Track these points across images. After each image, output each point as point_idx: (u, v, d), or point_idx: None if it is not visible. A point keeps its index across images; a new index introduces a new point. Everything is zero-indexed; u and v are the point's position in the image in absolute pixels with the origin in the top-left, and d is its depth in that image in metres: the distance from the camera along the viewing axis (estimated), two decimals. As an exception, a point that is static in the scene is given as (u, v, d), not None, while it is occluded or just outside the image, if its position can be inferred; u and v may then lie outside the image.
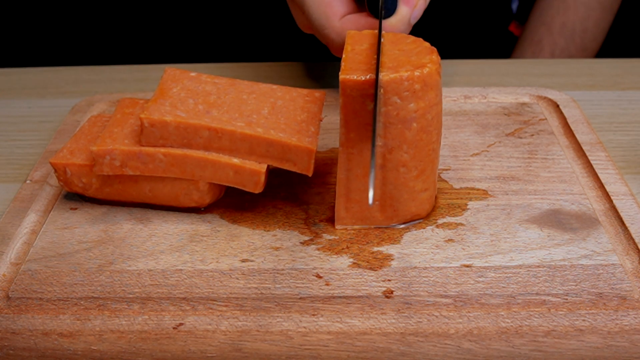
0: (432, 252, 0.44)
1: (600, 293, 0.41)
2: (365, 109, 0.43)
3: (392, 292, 0.41)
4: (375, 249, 0.44)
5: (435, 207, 0.48)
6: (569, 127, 0.57)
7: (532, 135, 0.56)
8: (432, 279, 0.42)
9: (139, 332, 0.40)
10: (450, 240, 0.45)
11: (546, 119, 0.58)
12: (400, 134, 0.43)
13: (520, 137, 0.56)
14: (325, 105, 0.59)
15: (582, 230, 0.45)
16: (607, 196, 0.48)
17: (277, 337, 0.39)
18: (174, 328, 0.40)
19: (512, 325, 0.39)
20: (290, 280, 0.42)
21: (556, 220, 0.46)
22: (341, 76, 0.42)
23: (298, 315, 0.40)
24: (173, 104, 0.46)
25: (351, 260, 0.44)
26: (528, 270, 0.42)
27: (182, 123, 0.45)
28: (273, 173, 0.49)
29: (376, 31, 0.47)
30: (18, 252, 0.45)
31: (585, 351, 0.39)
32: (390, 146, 0.43)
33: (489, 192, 0.49)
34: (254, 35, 0.87)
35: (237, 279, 0.42)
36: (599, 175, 0.50)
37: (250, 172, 0.45)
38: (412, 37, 0.46)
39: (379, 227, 0.46)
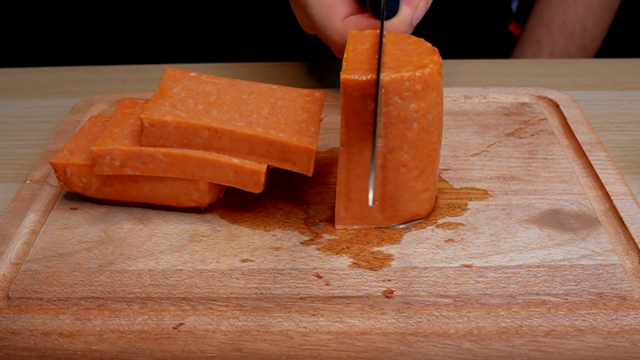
0: (432, 252, 0.44)
1: (600, 293, 0.41)
2: (366, 109, 0.43)
3: (392, 292, 0.41)
4: (376, 249, 0.44)
5: (436, 207, 0.48)
6: (569, 127, 0.57)
7: (532, 135, 0.56)
8: (432, 279, 0.42)
9: (139, 332, 0.40)
10: (450, 240, 0.45)
11: (546, 119, 0.58)
12: (401, 134, 0.43)
13: (520, 137, 0.56)
14: (326, 105, 0.59)
15: (582, 230, 0.45)
16: (607, 196, 0.48)
17: (277, 337, 0.39)
18: (174, 328, 0.40)
19: (512, 325, 0.39)
20: (290, 280, 0.42)
21: (556, 220, 0.46)
22: (342, 76, 0.42)
23: (298, 315, 0.40)
24: (173, 104, 0.46)
25: (351, 260, 0.43)
26: (528, 270, 0.42)
27: (182, 123, 0.45)
28: (273, 173, 0.49)
29: (378, 31, 0.47)
30: (18, 252, 0.45)
31: (585, 351, 0.39)
32: (391, 146, 0.43)
33: (489, 192, 0.49)
34: (254, 35, 0.87)
35: (237, 279, 0.42)
36: (599, 175, 0.50)
37: (250, 172, 0.45)
38: (414, 38, 0.46)
39: (379, 227, 0.46)
